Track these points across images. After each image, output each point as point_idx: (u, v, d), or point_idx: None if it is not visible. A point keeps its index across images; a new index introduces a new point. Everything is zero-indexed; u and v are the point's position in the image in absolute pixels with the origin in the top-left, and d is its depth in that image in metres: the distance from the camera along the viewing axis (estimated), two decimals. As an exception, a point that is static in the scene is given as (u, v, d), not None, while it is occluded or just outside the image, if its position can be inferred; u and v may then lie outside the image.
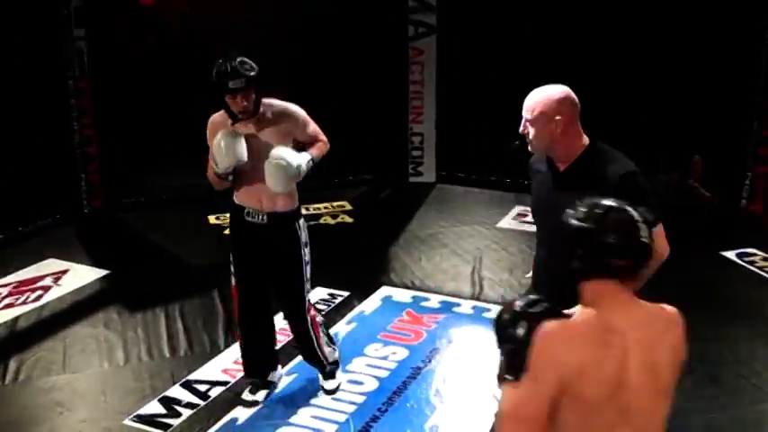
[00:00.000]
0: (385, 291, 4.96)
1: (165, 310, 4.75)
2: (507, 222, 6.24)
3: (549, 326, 1.83)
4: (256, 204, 3.49)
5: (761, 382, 3.91)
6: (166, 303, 4.81)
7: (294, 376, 3.99)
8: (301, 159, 3.39)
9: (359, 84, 7.10)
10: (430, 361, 4.13)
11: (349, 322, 4.55)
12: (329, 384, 3.84)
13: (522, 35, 7.30)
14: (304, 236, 3.57)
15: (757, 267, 5.25)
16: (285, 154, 3.35)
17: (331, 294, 4.89)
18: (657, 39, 6.64)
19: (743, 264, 5.31)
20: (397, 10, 6.94)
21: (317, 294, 4.77)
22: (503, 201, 6.69)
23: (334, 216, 6.41)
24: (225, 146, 3.31)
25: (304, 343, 3.76)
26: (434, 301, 4.83)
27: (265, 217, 3.48)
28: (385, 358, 4.17)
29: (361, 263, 5.44)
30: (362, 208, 6.66)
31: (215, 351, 4.30)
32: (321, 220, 6.28)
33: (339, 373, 3.90)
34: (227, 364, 4.17)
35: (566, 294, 1.92)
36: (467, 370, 4.07)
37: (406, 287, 5.02)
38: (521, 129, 2.66)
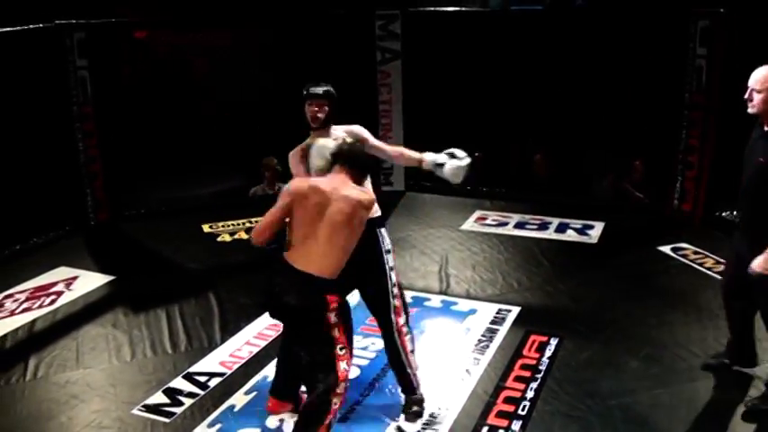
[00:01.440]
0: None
1: (167, 310, 4.75)
2: (469, 225, 6.27)
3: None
4: None
5: (696, 362, 3.99)
6: (167, 304, 4.80)
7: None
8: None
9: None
10: (405, 349, 4.14)
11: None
12: (408, 426, 3.41)
13: (476, 58, 7.44)
14: (387, 243, 3.46)
15: (689, 260, 5.34)
16: (459, 153, 3.58)
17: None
18: (603, 60, 6.82)
19: (677, 257, 5.40)
20: (367, 38, 7.00)
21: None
22: (465, 206, 6.72)
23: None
24: (316, 149, 3.43)
25: (390, 352, 3.48)
26: (407, 296, 4.79)
27: None
28: (365, 348, 4.19)
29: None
30: None
31: (212, 346, 4.31)
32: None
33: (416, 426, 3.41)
34: (223, 357, 4.18)
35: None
36: (438, 355, 4.12)
37: (382, 285, 5.02)
38: (746, 95, 3.31)
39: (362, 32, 6.99)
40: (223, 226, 6.31)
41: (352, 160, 3.21)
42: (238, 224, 6.34)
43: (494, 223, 6.24)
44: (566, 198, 6.72)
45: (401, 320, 3.48)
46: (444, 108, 7.51)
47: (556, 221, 6.22)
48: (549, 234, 5.97)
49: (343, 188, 3.12)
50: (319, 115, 3.49)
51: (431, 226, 6.26)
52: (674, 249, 5.52)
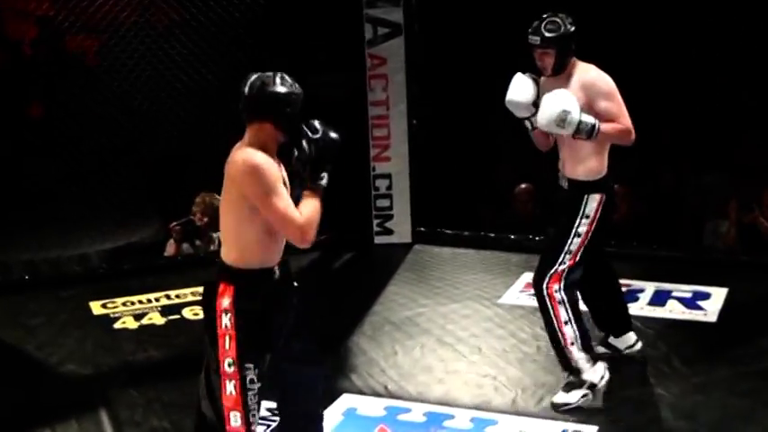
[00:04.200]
0: (347, 401, 4.91)
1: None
2: (514, 296, 6.29)
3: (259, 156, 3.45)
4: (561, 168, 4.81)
5: None
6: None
7: None
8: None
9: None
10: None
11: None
12: (561, 397, 4.77)
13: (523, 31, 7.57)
14: (590, 209, 4.66)
15: None
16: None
17: (271, 410, 4.82)
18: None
19: None
20: (350, 5, 7.09)
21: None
22: (507, 266, 6.76)
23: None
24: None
25: (544, 318, 4.79)
26: (417, 412, 4.79)
27: (566, 182, 4.77)
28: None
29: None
30: (311, 284, 6.50)
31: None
32: (253, 303, 6.22)
33: (582, 393, 4.73)
34: None
35: None
36: None
37: (377, 394, 4.99)
38: None
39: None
40: (124, 304, 6.25)
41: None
42: (149, 301, 6.28)
43: (553, 292, 6.24)
44: (664, 249, 6.74)
45: (555, 286, 4.74)
46: (476, 110, 7.61)
47: (651, 288, 6.26)
48: (641, 308, 6.01)
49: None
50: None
51: (454, 299, 6.28)
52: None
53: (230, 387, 3.50)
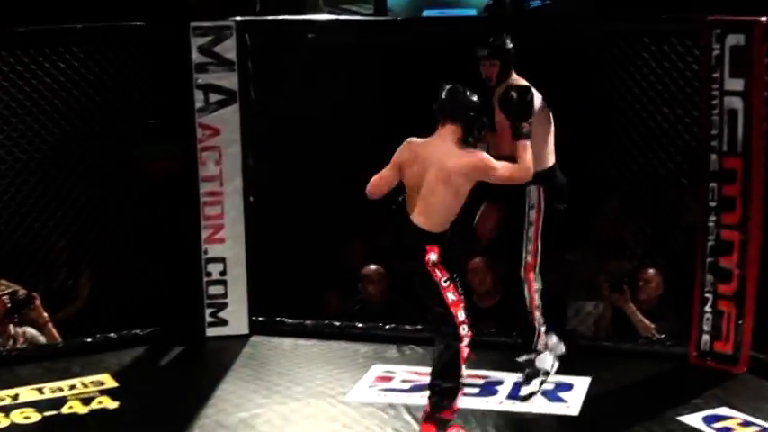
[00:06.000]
0: None
1: None
2: (363, 392, 6.24)
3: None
4: None
5: None
6: None
7: None
8: None
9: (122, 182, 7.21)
10: None
11: None
12: (525, 389, 5.97)
13: (379, 93, 7.66)
14: (537, 199, 5.79)
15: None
16: None
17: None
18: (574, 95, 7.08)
19: (715, 435, 5.50)
20: (178, 69, 7.04)
21: None
22: (354, 358, 6.73)
23: (86, 400, 6.21)
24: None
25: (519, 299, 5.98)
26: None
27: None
28: None
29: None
30: (133, 383, 6.51)
31: None
32: (65, 408, 6.07)
33: (540, 380, 5.98)
34: None
35: None
36: None
37: None
38: None
39: (167, 60, 7.13)
40: None
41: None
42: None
43: (405, 387, 6.29)
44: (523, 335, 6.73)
45: (532, 275, 5.91)
46: (320, 185, 7.73)
47: (509, 379, 6.26)
48: (500, 402, 6.04)
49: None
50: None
51: (295, 397, 6.24)
52: (707, 420, 5.67)
53: (450, 295, 5.27)
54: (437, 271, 5.24)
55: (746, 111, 5.97)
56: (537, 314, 5.94)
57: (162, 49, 7.12)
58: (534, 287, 5.91)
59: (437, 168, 5.18)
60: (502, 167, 5.27)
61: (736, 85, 5.99)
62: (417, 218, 5.25)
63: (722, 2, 6.07)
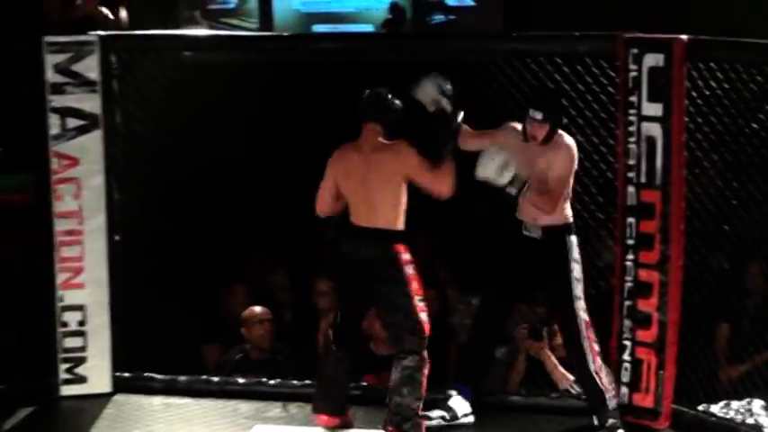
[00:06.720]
0: None
1: None
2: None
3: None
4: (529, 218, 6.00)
5: None
6: None
7: None
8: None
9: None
10: None
11: None
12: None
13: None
14: (575, 252, 5.98)
15: None
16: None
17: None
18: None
19: None
20: (30, 91, 6.78)
21: None
22: (234, 418, 6.53)
23: None
24: None
25: (579, 370, 6.07)
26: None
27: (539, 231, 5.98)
28: None
29: None
30: None
31: None
32: None
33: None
34: None
35: None
36: None
37: None
38: None
39: (18, 79, 7.02)
40: None
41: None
42: None
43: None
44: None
45: (591, 334, 6.00)
46: (197, 223, 7.73)
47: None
48: None
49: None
50: None
51: None
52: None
53: (424, 316, 5.66)
54: (406, 267, 5.63)
55: (665, 138, 5.99)
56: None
57: (12, 66, 6.96)
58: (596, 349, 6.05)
59: (375, 169, 5.60)
60: (430, 168, 5.63)
61: (654, 109, 6.00)
62: (376, 222, 5.62)
63: (642, 20, 6.36)
